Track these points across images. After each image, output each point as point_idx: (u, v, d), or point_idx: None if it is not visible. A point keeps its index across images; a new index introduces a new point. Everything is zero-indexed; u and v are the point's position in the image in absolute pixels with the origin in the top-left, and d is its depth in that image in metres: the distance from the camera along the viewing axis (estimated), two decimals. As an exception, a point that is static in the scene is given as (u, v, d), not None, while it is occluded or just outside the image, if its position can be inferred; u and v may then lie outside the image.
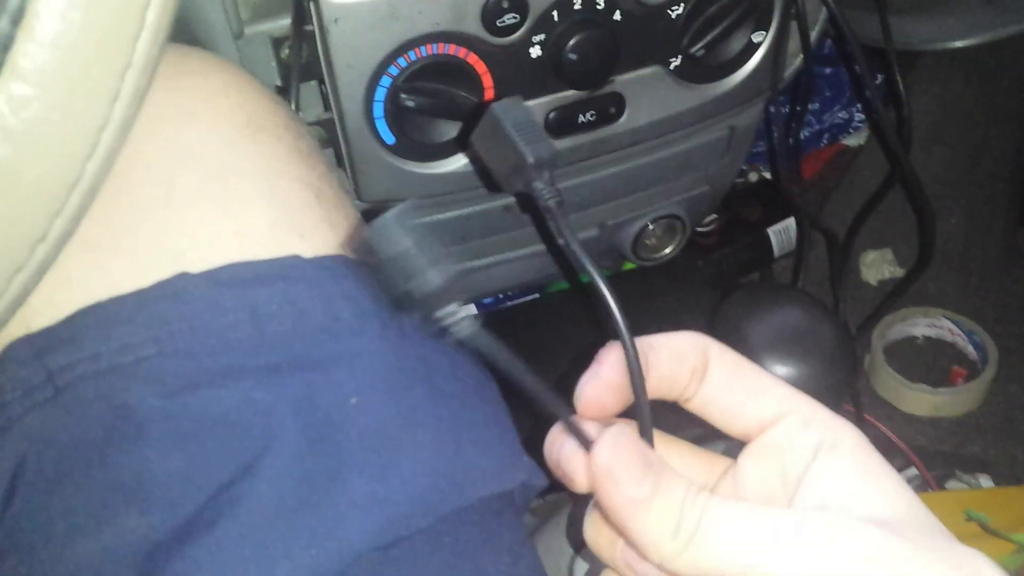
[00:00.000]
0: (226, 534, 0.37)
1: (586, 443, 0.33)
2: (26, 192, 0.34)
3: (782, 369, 0.54)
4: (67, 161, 0.34)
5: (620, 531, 0.33)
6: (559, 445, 0.35)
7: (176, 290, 0.40)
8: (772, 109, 0.77)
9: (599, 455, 0.32)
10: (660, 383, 0.36)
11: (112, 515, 0.37)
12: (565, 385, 0.36)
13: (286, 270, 0.42)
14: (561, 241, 0.36)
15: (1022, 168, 1.15)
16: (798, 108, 0.88)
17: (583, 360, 0.36)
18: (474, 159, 0.64)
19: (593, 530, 0.36)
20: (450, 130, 0.64)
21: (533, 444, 0.46)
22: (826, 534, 0.31)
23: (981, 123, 1.11)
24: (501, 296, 0.92)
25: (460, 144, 0.65)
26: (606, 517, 0.34)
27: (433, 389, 0.44)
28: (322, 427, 0.39)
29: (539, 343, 0.84)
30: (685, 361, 0.36)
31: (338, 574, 0.38)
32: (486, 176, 0.65)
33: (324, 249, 0.45)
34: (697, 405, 0.37)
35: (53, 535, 0.38)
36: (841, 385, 0.56)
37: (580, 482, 0.34)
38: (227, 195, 0.44)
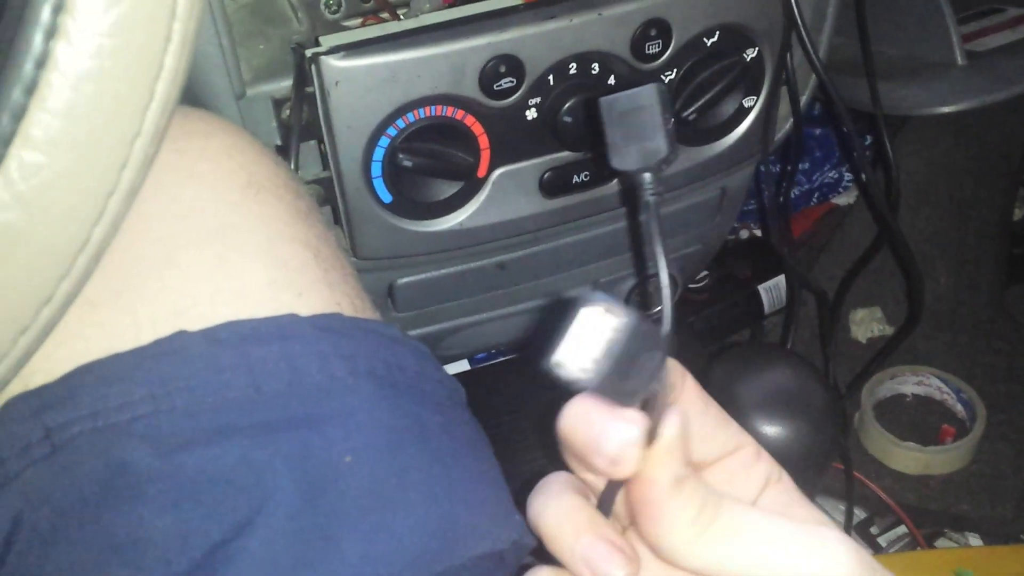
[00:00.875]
0: None
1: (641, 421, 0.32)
2: (34, 255, 0.35)
3: (772, 429, 0.55)
4: (75, 226, 0.35)
5: (640, 511, 0.33)
6: (600, 418, 0.33)
7: (174, 348, 0.41)
8: (763, 169, 0.78)
9: (669, 432, 0.32)
10: None
11: (106, 574, 0.38)
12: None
13: (283, 329, 0.43)
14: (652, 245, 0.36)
15: (1008, 227, 1.17)
16: (788, 168, 0.90)
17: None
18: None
19: (557, 519, 0.35)
20: (447, 189, 0.65)
21: (523, 501, 0.46)
22: (823, 545, 0.32)
23: (968, 183, 1.12)
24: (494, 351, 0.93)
25: (456, 203, 0.66)
26: (630, 497, 0.34)
27: (426, 448, 0.44)
28: (316, 486, 0.40)
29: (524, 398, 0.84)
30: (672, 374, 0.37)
31: None
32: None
33: (321, 308, 0.45)
34: None
35: None
36: (830, 444, 0.56)
37: (616, 457, 0.33)
38: (226, 254, 0.45)
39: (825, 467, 0.55)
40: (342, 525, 0.40)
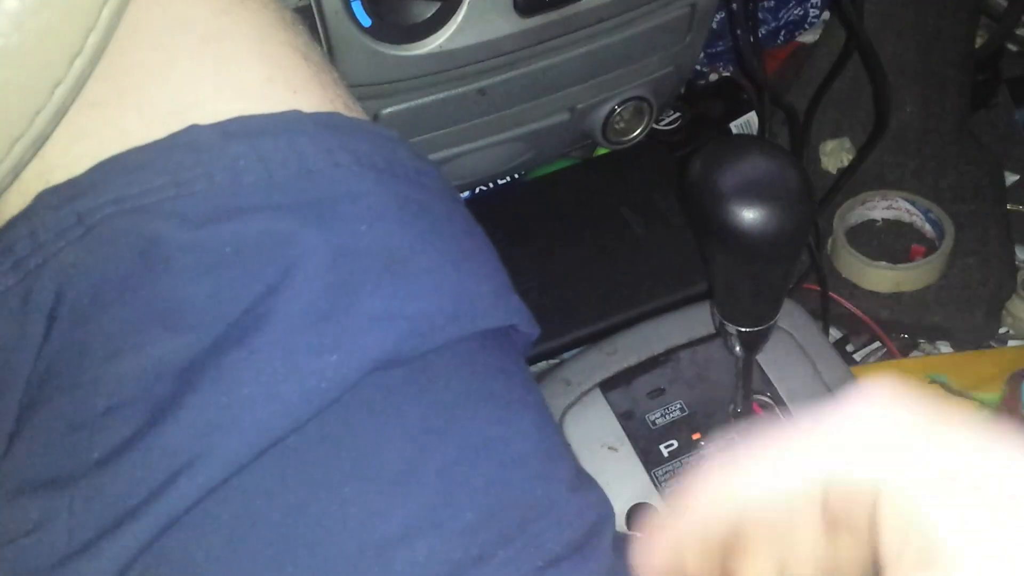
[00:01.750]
0: (256, 344, 0.40)
1: None
2: (29, 63, 0.37)
3: (750, 213, 0.57)
4: (70, 32, 0.36)
5: None
6: None
7: (189, 140, 0.43)
8: (734, 7, 0.80)
9: None
10: None
11: (147, 338, 0.40)
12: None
13: (289, 124, 0.45)
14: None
15: (972, 55, 1.19)
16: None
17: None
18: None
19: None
20: (426, 10, 0.66)
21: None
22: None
23: (932, 13, 1.14)
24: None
25: (434, 25, 0.67)
26: None
27: (432, 225, 0.47)
28: (338, 249, 0.42)
29: (520, 226, 0.87)
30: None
31: (356, 379, 0.41)
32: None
33: (317, 105, 0.47)
34: None
35: (91, 359, 0.40)
36: (807, 225, 0.59)
37: None
38: (223, 55, 0.47)
39: (801, 245, 0.58)
40: (365, 283, 0.43)
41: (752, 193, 0.57)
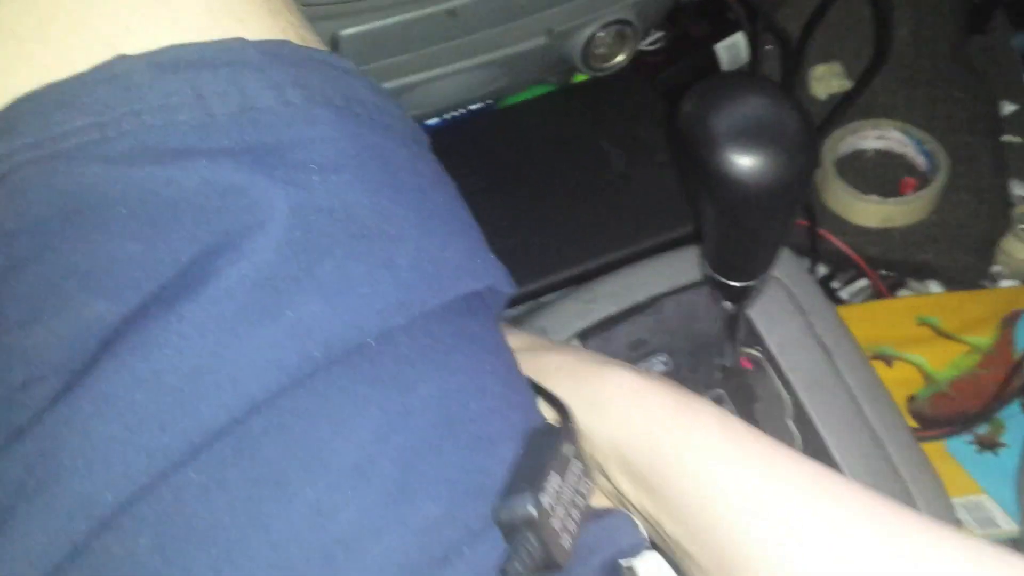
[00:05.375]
0: (187, 311, 0.35)
1: None
2: None
3: (748, 159, 0.52)
4: None
5: None
6: None
7: (115, 73, 0.38)
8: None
9: None
10: None
11: (64, 302, 0.36)
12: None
13: (230, 54, 0.40)
14: None
15: (969, -25, 1.13)
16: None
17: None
18: None
19: None
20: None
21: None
22: None
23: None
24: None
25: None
26: None
27: (396, 178, 0.42)
28: (293, 208, 0.37)
29: (491, 160, 0.81)
30: None
31: (302, 362, 0.36)
32: None
33: (266, 35, 0.42)
34: None
35: (6, 325, 0.36)
36: (809, 175, 0.54)
37: None
38: None
39: (802, 196, 0.53)
40: (321, 251, 0.38)
41: (750, 138, 0.52)
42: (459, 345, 0.42)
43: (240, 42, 0.40)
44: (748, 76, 0.90)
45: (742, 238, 0.57)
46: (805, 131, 0.53)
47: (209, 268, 0.36)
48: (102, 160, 0.36)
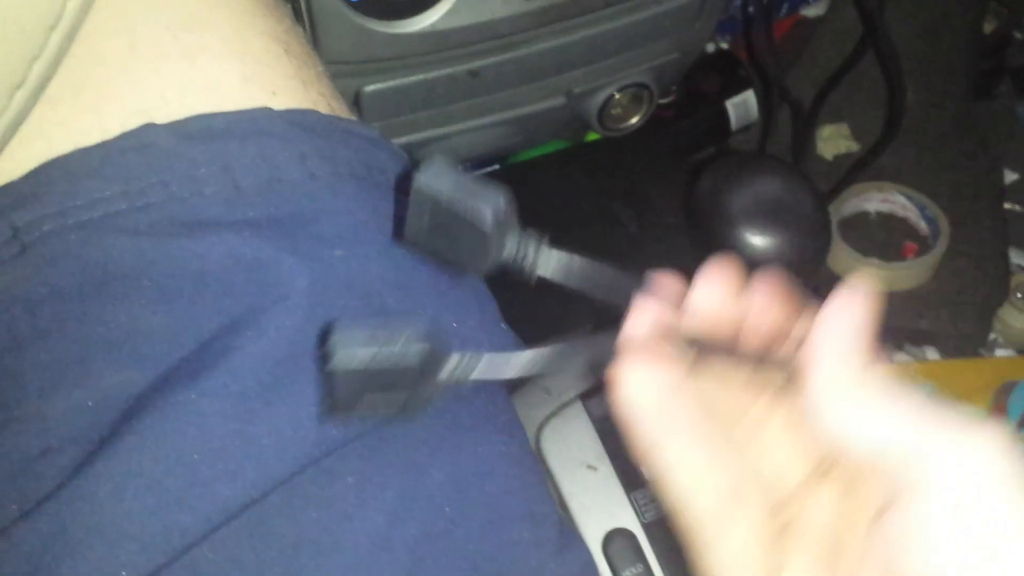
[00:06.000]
0: (208, 386, 0.35)
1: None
2: (4, 34, 0.31)
3: (762, 240, 0.53)
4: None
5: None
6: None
7: (143, 142, 0.38)
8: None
9: None
10: None
11: (88, 371, 0.36)
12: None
13: (257, 124, 0.40)
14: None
15: (978, 42, 1.14)
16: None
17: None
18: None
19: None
20: (417, -16, 0.61)
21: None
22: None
23: (940, -4, 1.09)
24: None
25: (427, 1, 0.62)
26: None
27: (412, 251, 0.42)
28: (315, 282, 0.38)
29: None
30: None
31: (321, 438, 0.37)
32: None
33: (296, 105, 0.42)
34: None
35: (26, 393, 0.36)
36: (821, 254, 0.55)
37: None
38: (195, 48, 0.41)
39: (815, 274, 0.54)
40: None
41: (766, 219, 0.53)
42: (474, 425, 0.42)
43: (267, 112, 0.40)
44: (767, 157, 0.91)
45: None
46: (820, 213, 0.54)
47: (231, 344, 0.36)
48: (128, 232, 0.37)
